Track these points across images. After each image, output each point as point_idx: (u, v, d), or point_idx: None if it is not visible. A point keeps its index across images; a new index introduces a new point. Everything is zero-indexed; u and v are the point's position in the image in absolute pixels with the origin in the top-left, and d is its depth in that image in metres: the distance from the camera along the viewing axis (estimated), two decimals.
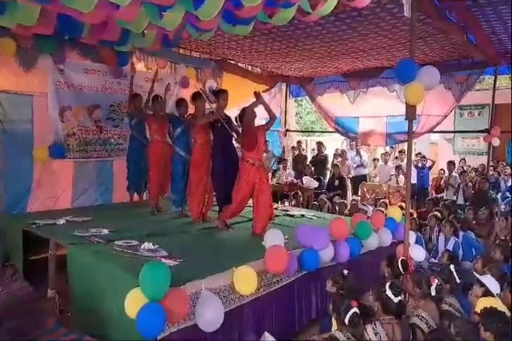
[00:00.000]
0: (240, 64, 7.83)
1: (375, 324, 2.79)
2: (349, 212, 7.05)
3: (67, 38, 4.75)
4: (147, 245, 3.80)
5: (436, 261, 4.87)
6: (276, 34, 5.53)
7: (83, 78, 5.73)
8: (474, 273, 3.40)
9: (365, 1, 3.73)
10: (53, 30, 3.93)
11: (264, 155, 9.77)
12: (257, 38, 5.74)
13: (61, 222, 4.76)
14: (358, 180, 9.44)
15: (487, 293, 3.12)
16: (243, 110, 4.65)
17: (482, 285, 3.19)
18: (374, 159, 10.25)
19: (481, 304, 2.90)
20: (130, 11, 3.16)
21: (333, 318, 3.07)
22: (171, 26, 3.54)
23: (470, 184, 7.98)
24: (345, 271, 3.40)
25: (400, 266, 3.82)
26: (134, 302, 2.63)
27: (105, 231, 4.37)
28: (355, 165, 9.69)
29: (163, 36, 4.54)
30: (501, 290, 3.22)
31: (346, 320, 2.82)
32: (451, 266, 3.41)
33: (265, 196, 4.59)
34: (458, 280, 3.33)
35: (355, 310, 2.83)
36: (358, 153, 9.98)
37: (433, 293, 3.26)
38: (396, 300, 2.85)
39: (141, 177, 5.84)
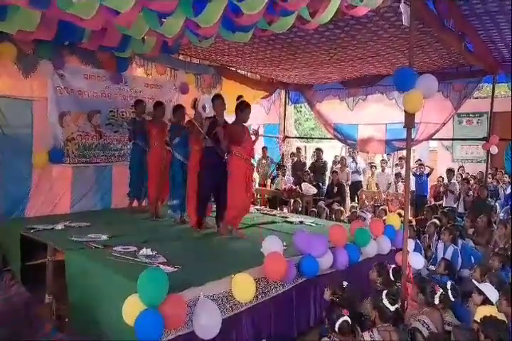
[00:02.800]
0: (239, 70, 7.87)
1: (372, 331, 2.79)
2: (348, 218, 7.05)
3: (67, 43, 4.78)
4: (145, 251, 3.79)
5: (435, 269, 4.85)
6: (276, 41, 5.57)
7: (83, 83, 5.74)
8: (473, 281, 3.38)
9: (363, 10, 3.76)
10: (53, 36, 3.95)
11: (263, 161, 9.83)
12: (256, 44, 5.78)
13: (59, 227, 4.74)
14: (353, 187, 9.46)
15: (486, 301, 3.12)
16: (241, 104, 4.69)
17: (481, 293, 3.19)
18: (371, 166, 10.27)
19: (480, 312, 2.89)
20: (129, 16, 3.18)
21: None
22: (170, 33, 3.56)
23: (470, 192, 7.97)
24: (345, 283, 3.39)
25: (391, 274, 3.79)
26: (131, 309, 2.61)
27: (103, 236, 4.36)
28: (350, 172, 9.73)
29: (162, 42, 4.57)
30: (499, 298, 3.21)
31: (336, 328, 2.81)
32: (448, 284, 3.39)
33: (251, 191, 4.75)
34: (452, 299, 3.30)
35: (345, 318, 2.83)
36: (353, 159, 10.01)
37: (436, 302, 3.25)
38: (393, 308, 2.85)
39: (142, 184, 5.80)
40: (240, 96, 4.81)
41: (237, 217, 4.76)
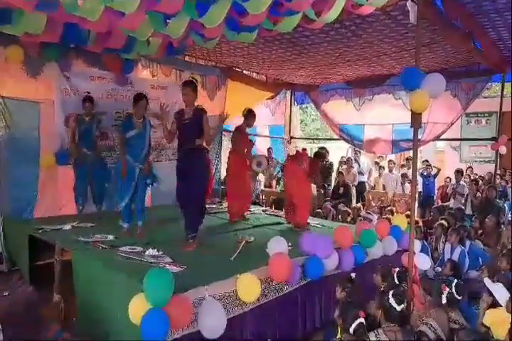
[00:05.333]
0: (244, 71, 7.87)
1: (377, 331, 2.76)
2: (352, 219, 7.03)
3: (73, 45, 4.80)
4: (151, 251, 3.80)
5: (441, 270, 4.81)
6: (281, 41, 5.56)
7: (89, 85, 5.76)
8: (486, 281, 3.31)
9: (369, 9, 3.74)
10: (59, 38, 3.98)
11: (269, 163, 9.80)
12: (261, 45, 5.78)
13: (67, 227, 4.79)
14: (357, 188, 9.45)
15: (495, 302, 3.06)
16: None
17: (491, 294, 3.13)
18: (379, 167, 10.21)
19: (490, 315, 2.85)
20: (134, 19, 3.20)
21: (338, 326, 3.04)
22: (175, 34, 3.58)
23: (478, 194, 7.89)
24: (353, 274, 3.39)
25: (395, 278, 3.75)
26: (137, 308, 2.62)
27: (110, 237, 4.39)
28: (356, 172, 9.69)
29: (168, 44, 4.58)
30: None
31: (351, 329, 2.78)
32: (454, 282, 3.34)
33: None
34: (458, 297, 3.26)
35: (361, 320, 2.80)
36: (356, 160, 9.97)
37: (444, 301, 3.21)
38: (399, 308, 2.83)
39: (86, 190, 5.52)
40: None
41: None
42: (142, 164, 4.59)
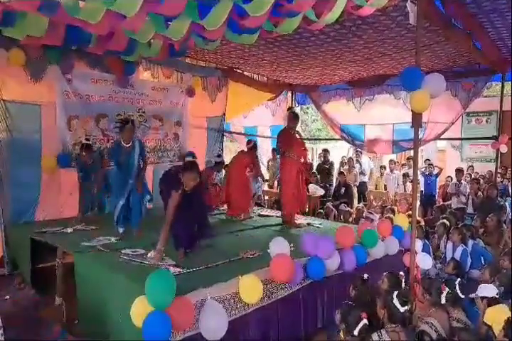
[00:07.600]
0: (245, 72, 7.88)
1: (380, 332, 2.76)
2: (354, 220, 7.03)
3: (75, 47, 4.82)
4: (153, 254, 3.80)
5: (443, 269, 4.81)
6: (282, 42, 5.57)
7: (90, 87, 5.79)
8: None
9: (369, 10, 3.74)
10: (61, 41, 3.99)
11: (271, 163, 9.83)
12: (262, 46, 5.79)
13: (68, 230, 4.80)
14: (359, 188, 9.46)
15: (491, 302, 3.06)
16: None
17: (483, 297, 3.13)
18: (381, 167, 10.21)
19: (490, 313, 2.85)
20: (136, 21, 3.21)
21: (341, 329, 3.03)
22: (176, 36, 3.58)
23: (480, 193, 7.87)
24: (366, 275, 3.39)
25: (402, 283, 3.71)
26: (139, 311, 2.63)
27: (112, 239, 4.41)
28: (358, 173, 9.70)
29: (169, 46, 4.59)
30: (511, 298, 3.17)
31: (356, 332, 2.77)
32: (457, 281, 3.34)
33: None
34: (461, 296, 3.25)
35: (365, 321, 2.79)
36: (357, 160, 9.98)
37: (443, 301, 3.20)
38: (402, 309, 2.82)
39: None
40: (290, 108, 5.87)
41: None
42: (133, 180, 4.62)
